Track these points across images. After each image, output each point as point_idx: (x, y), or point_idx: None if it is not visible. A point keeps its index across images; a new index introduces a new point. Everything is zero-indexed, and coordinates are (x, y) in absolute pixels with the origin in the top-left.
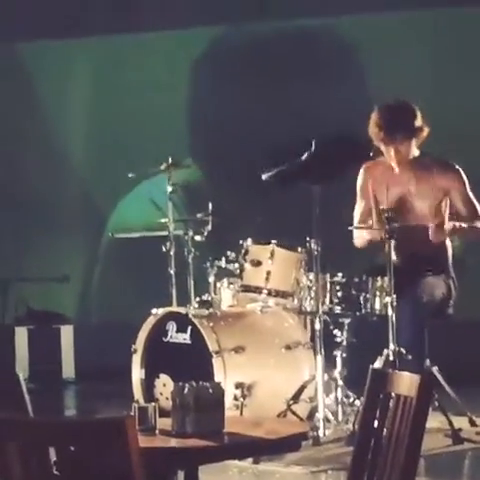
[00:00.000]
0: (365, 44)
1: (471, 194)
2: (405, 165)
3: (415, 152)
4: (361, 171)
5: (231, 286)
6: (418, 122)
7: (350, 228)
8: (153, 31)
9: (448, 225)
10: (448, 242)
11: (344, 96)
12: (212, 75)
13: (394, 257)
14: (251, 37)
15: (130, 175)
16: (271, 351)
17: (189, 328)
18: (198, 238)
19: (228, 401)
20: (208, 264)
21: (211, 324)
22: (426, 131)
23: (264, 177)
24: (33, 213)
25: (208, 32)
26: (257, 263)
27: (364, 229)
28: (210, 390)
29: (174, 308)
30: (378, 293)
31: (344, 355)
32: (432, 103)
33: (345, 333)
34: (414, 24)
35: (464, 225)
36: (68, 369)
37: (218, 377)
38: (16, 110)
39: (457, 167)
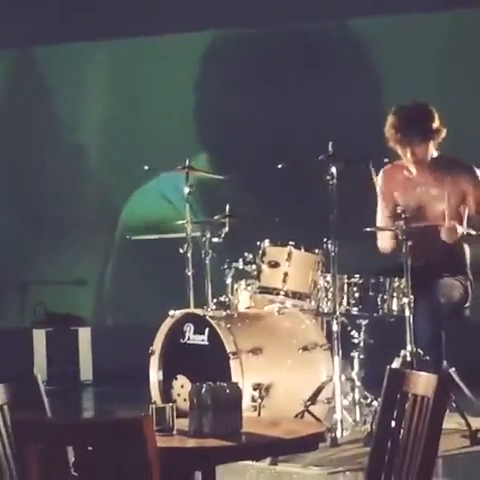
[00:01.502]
0: (380, 45)
1: None
2: (423, 167)
3: (433, 153)
4: (380, 174)
5: (248, 288)
6: (435, 124)
7: (368, 229)
8: (168, 33)
9: (460, 229)
10: (469, 244)
11: (358, 96)
12: (230, 75)
13: (412, 258)
14: (267, 38)
15: (146, 168)
16: (288, 352)
17: (207, 330)
18: (215, 240)
19: (245, 402)
20: (225, 266)
21: (228, 325)
22: (444, 132)
23: (280, 166)
24: (51, 216)
25: (223, 34)
26: (274, 264)
27: (381, 230)
28: (227, 390)
29: (191, 310)
30: (395, 294)
31: (361, 356)
32: (448, 104)
33: (362, 334)
34: (430, 26)
35: (474, 232)
36: (86, 371)
37: (235, 378)
38: (32, 112)
39: (474, 168)
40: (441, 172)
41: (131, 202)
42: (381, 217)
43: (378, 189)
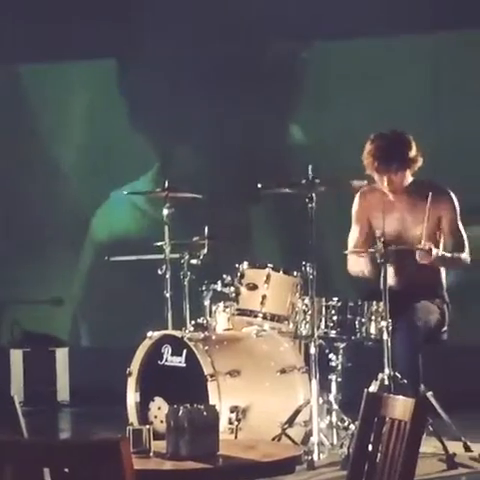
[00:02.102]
0: (361, 69)
1: (460, 224)
2: (400, 192)
3: (409, 179)
4: (357, 196)
5: (227, 310)
6: (413, 152)
7: (346, 252)
8: (148, 53)
9: (435, 251)
10: (442, 267)
11: (340, 121)
12: (207, 95)
13: (390, 282)
14: (246, 55)
15: (125, 193)
16: (266, 375)
17: (184, 351)
18: (194, 261)
19: (222, 425)
20: (204, 287)
21: (206, 347)
22: (420, 161)
23: (260, 185)
24: (28, 236)
25: (209, 52)
26: (253, 287)
27: (359, 253)
28: (205, 412)
29: (169, 331)
30: (373, 317)
31: (339, 379)
32: (429, 129)
33: (340, 357)
34: (413, 48)
35: (448, 255)
36: (63, 392)
37: (213, 400)
38: (12, 131)
39: (451, 194)
40: (417, 197)
41: (100, 215)
42: (354, 240)
43: (353, 211)
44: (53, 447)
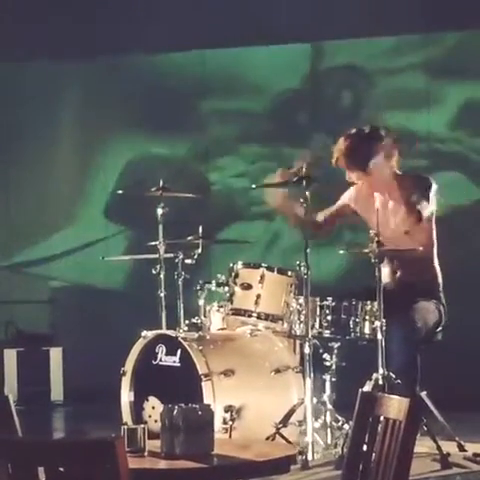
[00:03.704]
0: (358, 69)
1: (425, 202)
2: (381, 185)
3: (392, 171)
4: (350, 188)
5: (221, 309)
6: (378, 158)
7: (340, 251)
8: (140, 55)
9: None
10: (438, 268)
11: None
12: (195, 96)
13: (385, 281)
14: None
15: (119, 192)
16: (260, 374)
17: (178, 351)
18: (188, 261)
19: (217, 424)
20: (198, 287)
21: (200, 347)
22: (395, 155)
23: (254, 186)
24: (20, 234)
25: (196, 57)
26: (247, 286)
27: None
28: (199, 412)
29: (164, 331)
30: (368, 317)
31: (333, 379)
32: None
33: (334, 357)
34: (407, 48)
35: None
36: (57, 391)
37: (207, 400)
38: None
39: (430, 180)
40: (398, 188)
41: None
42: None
43: (342, 196)
44: (48, 446)
